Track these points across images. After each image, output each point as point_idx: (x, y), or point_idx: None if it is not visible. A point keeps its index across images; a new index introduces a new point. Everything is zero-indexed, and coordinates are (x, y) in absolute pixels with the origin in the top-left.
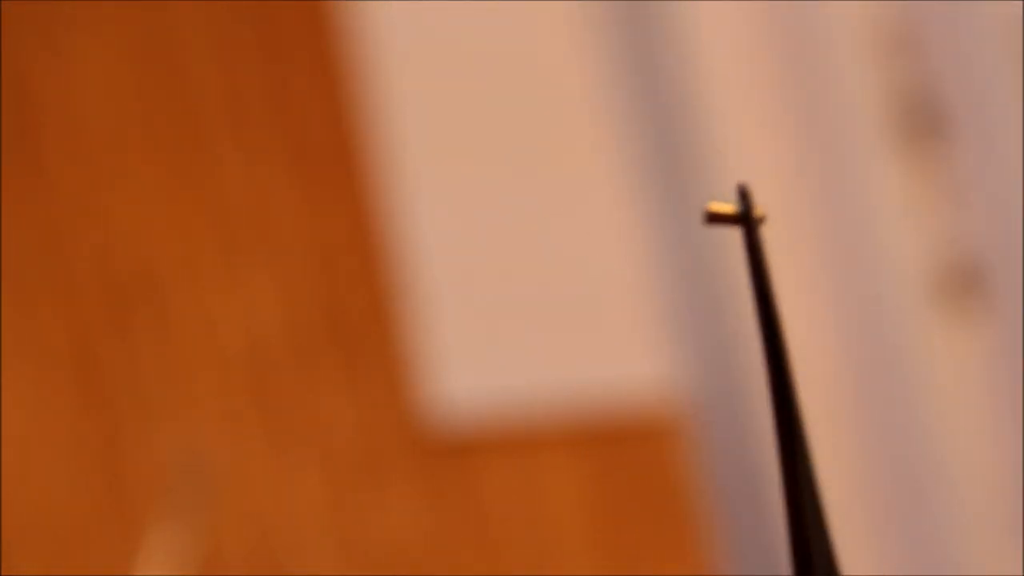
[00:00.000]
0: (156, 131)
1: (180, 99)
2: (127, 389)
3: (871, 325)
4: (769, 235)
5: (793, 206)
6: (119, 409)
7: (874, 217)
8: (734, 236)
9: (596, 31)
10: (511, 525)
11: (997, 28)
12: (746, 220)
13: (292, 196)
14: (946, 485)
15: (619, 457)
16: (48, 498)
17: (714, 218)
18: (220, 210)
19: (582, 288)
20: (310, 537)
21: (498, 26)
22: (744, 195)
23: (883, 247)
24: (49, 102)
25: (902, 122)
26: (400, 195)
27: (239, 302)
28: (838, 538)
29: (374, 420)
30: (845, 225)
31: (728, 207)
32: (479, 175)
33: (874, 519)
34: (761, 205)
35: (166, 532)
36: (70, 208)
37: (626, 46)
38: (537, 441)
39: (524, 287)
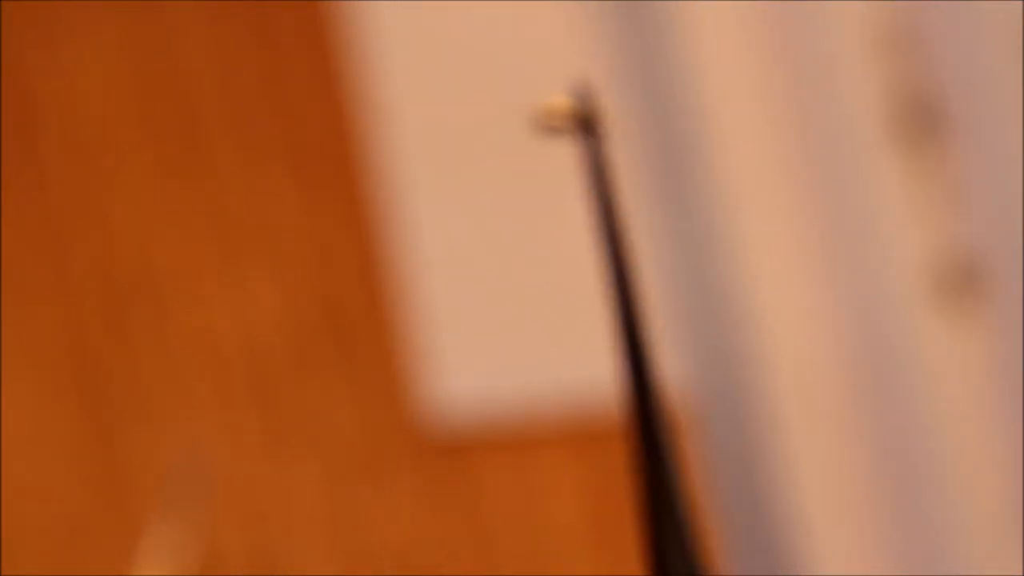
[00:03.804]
0: (155, 132)
1: (179, 100)
2: (127, 389)
3: (871, 324)
4: (769, 234)
5: (793, 205)
6: (119, 410)
7: (874, 217)
8: (734, 237)
9: (596, 31)
10: (510, 524)
11: (997, 28)
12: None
13: (291, 198)
14: (946, 484)
15: (618, 457)
16: (48, 498)
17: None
18: (219, 211)
19: (581, 287)
20: (309, 536)
21: (497, 27)
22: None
23: (883, 246)
24: (49, 102)
25: (902, 122)
26: (398, 195)
27: (238, 302)
28: (838, 538)
29: (373, 420)
30: (845, 224)
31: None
32: (477, 175)
33: (874, 518)
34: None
35: (165, 531)
36: (70, 209)
37: (626, 47)
38: (536, 440)
39: (522, 287)
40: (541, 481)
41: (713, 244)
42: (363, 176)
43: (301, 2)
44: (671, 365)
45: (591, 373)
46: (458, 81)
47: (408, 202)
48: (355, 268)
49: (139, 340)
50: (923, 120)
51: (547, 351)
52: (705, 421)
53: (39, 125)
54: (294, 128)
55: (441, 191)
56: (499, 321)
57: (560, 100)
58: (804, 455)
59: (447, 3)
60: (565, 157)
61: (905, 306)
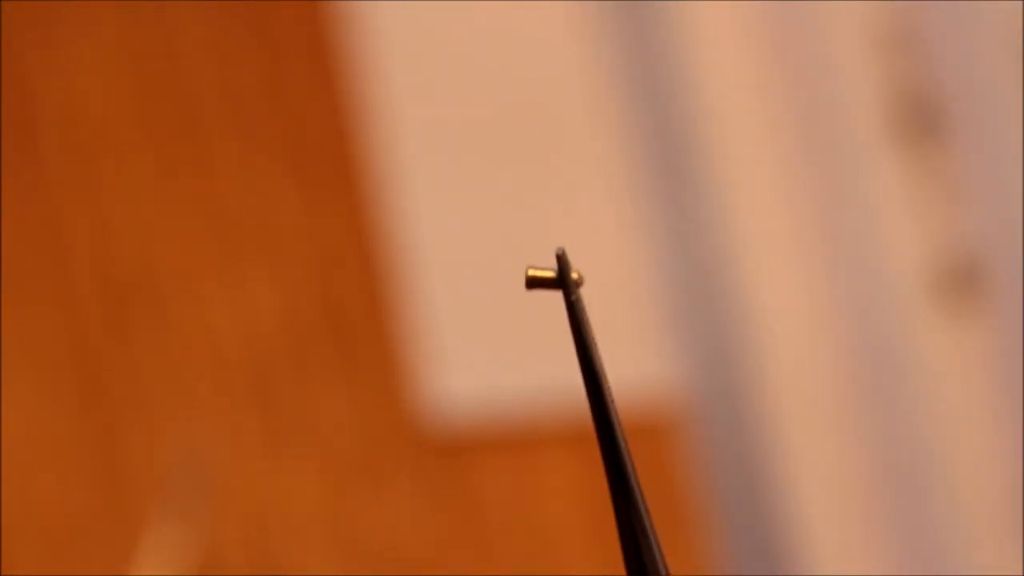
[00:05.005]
0: (155, 132)
1: (179, 100)
2: (126, 389)
3: (870, 324)
4: (769, 234)
5: (792, 205)
6: (118, 409)
7: (873, 216)
8: (734, 237)
9: (596, 31)
10: (510, 524)
11: (997, 28)
12: (563, 284)
13: (291, 197)
14: (946, 484)
15: None
16: (48, 498)
17: (533, 282)
18: (219, 211)
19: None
20: (309, 536)
21: (497, 26)
22: (561, 260)
23: (882, 246)
24: (49, 101)
25: (902, 122)
26: (398, 195)
27: (238, 302)
28: (838, 538)
29: (373, 419)
30: (845, 224)
31: (547, 272)
32: (478, 175)
33: (874, 518)
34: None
35: (165, 531)
36: (69, 208)
37: (626, 46)
38: (536, 440)
39: (522, 286)
40: (541, 481)
41: (713, 244)
42: (363, 176)
43: (301, 2)
44: (671, 365)
45: None
46: (458, 81)
47: (408, 202)
48: (355, 268)
49: (139, 340)
50: (923, 120)
51: (547, 351)
52: (705, 421)
53: (39, 125)
54: (294, 128)
55: (441, 191)
56: (499, 321)
57: (543, 270)
58: (804, 455)
59: (447, 3)
60: (566, 157)
61: (905, 306)
